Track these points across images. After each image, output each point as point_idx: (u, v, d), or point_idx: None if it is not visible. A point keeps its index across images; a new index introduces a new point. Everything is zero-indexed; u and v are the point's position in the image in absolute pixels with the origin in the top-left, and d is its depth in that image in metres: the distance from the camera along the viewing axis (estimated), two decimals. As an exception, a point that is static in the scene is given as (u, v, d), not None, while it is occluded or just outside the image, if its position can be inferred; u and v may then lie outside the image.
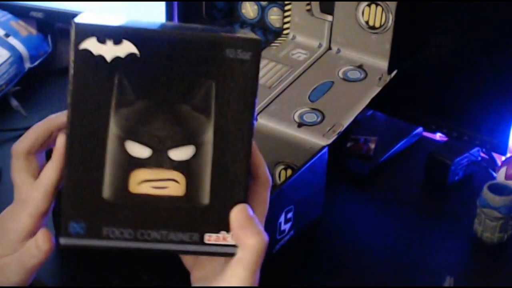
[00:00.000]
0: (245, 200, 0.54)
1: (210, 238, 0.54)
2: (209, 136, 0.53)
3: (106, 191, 0.52)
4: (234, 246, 0.53)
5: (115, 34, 0.51)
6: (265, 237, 0.53)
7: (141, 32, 0.52)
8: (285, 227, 0.93)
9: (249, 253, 0.52)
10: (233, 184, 0.53)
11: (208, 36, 0.53)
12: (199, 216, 0.53)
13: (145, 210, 0.53)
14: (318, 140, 0.98)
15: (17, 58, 1.36)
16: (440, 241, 1.05)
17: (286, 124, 1.02)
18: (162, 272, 0.94)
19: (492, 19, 1.04)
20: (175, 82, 0.52)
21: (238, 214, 0.53)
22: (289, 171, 1.00)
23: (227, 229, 0.54)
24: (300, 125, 1.02)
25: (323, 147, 0.97)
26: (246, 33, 0.55)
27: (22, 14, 1.44)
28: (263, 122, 1.03)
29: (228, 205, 0.53)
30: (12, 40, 1.37)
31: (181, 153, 0.53)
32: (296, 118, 1.03)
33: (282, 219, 0.92)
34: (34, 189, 0.55)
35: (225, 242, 0.54)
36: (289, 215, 0.93)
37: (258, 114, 1.04)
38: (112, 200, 0.52)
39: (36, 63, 1.41)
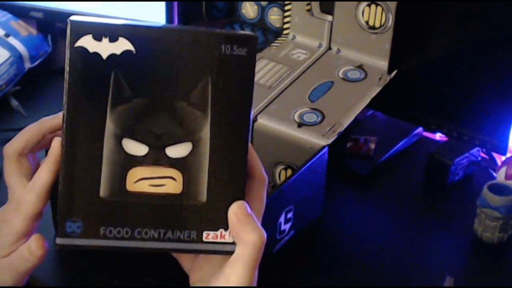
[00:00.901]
0: (242, 197, 0.54)
1: (208, 235, 0.54)
2: (206, 132, 0.53)
3: (103, 190, 0.52)
4: (232, 243, 0.53)
5: (111, 32, 0.51)
6: (263, 234, 0.53)
7: (136, 30, 0.52)
8: (285, 227, 0.93)
9: (248, 250, 0.52)
10: (231, 181, 0.53)
11: (204, 33, 0.53)
12: (197, 213, 0.53)
13: (143, 209, 0.53)
14: (318, 140, 0.98)
15: (17, 58, 1.36)
16: (440, 241, 1.05)
17: (286, 124, 1.02)
18: (162, 272, 0.94)
19: (492, 19, 1.04)
20: (172, 79, 0.52)
21: (236, 210, 0.53)
22: (289, 171, 1.00)
23: (225, 226, 0.53)
24: (300, 125, 1.02)
25: (323, 147, 0.97)
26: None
27: (22, 14, 1.44)
28: (263, 122, 1.03)
29: (226, 202, 0.53)
30: (12, 40, 1.37)
31: (178, 150, 0.53)
32: (296, 118, 1.03)
33: (282, 219, 0.92)
34: (27, 191, 0.54)
35: (223, 240, 0.54)
36: (289, 215, 0.93)
37: (258, 114, 1.04)
38: (109, 199, 0.52)
39: (36, 63, 1.41)
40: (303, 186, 0.96)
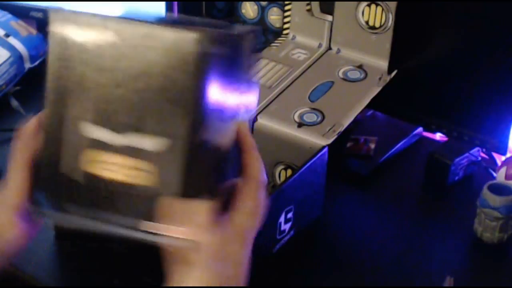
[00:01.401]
0: (216, 194, 0.54)
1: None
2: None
3: (63, 166, 0.54)
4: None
5: (94, 22, 0.52)
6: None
7: (121, 21, 0.52)
8: (285, 227, 0.93)
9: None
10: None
11: (187, 30, 0.52)
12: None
13: (102, 192, 0.53)
14: (318, 140, 0.98)
15: (17, 58, 1.36)
16: (440, 241, 1.05)
17: (286, 124, 1.02)
18: (162, 272, 0.94)
19: (492, 19, 1.04)
20: (153, 73, 0.52)
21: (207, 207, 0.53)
22: (289, 171, 1.00)
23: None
24: (300, 125, 1.02)
25: (323, 147, 0.97)
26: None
27: (22, 14, 1.44)
28: (263, 122, 1.03)
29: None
30: (12, 40, 1.37)
31: (156, 144, 0.53)
32: (296, 118, 1.03)
33: (282, 219, 0.92)
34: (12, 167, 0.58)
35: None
36: (289, 215, 0.93)
37: (258, 114, 1.04)
38: (68, 175, 0.54)
39: (36, 63, 1.41)
40: (303, 186, 0.96)
